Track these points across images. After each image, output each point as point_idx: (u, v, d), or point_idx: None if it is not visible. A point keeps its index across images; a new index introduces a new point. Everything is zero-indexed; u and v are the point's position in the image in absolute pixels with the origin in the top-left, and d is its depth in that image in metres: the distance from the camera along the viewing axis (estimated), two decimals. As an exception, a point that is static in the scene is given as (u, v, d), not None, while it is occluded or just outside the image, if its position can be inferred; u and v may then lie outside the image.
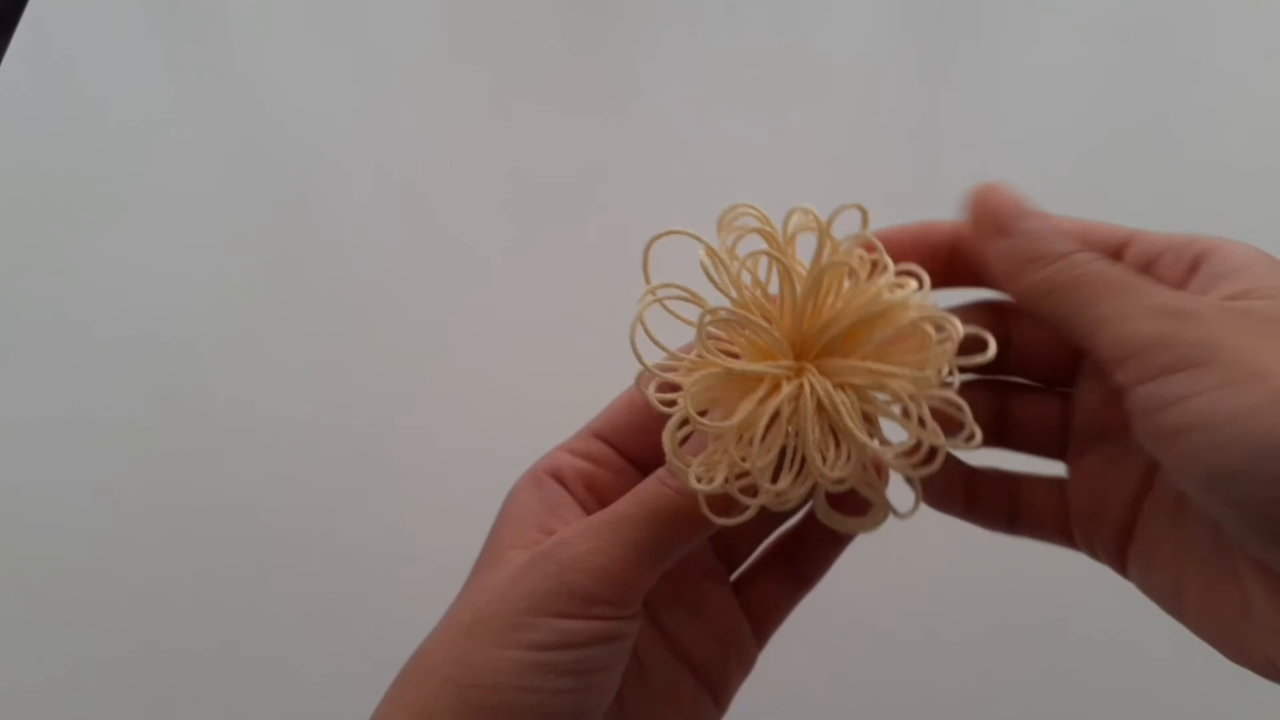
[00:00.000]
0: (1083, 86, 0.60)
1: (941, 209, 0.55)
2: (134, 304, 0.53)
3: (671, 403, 0.24)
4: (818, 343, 0.23)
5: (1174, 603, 0.24)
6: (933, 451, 0.23)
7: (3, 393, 0.50)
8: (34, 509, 0.46)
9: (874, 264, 0.24)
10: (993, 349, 0.23)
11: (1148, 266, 0.24)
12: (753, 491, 0.23)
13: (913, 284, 0.24)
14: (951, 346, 0.22)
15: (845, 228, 0.24)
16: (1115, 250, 0.25)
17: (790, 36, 0.63)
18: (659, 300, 0.23)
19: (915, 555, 0.43)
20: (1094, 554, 0.27)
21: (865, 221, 0.23)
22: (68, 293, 0.53)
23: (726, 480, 0.22)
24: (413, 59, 0.64)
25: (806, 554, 0.28)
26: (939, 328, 0.23)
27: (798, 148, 0.58)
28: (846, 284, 0.23)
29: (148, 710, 0.42)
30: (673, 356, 0.24)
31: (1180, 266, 0.23)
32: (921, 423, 0.22)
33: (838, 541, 0.27)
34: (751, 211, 0.24)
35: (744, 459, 0.22)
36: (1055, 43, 0.62)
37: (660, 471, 0.24)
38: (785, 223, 0.24)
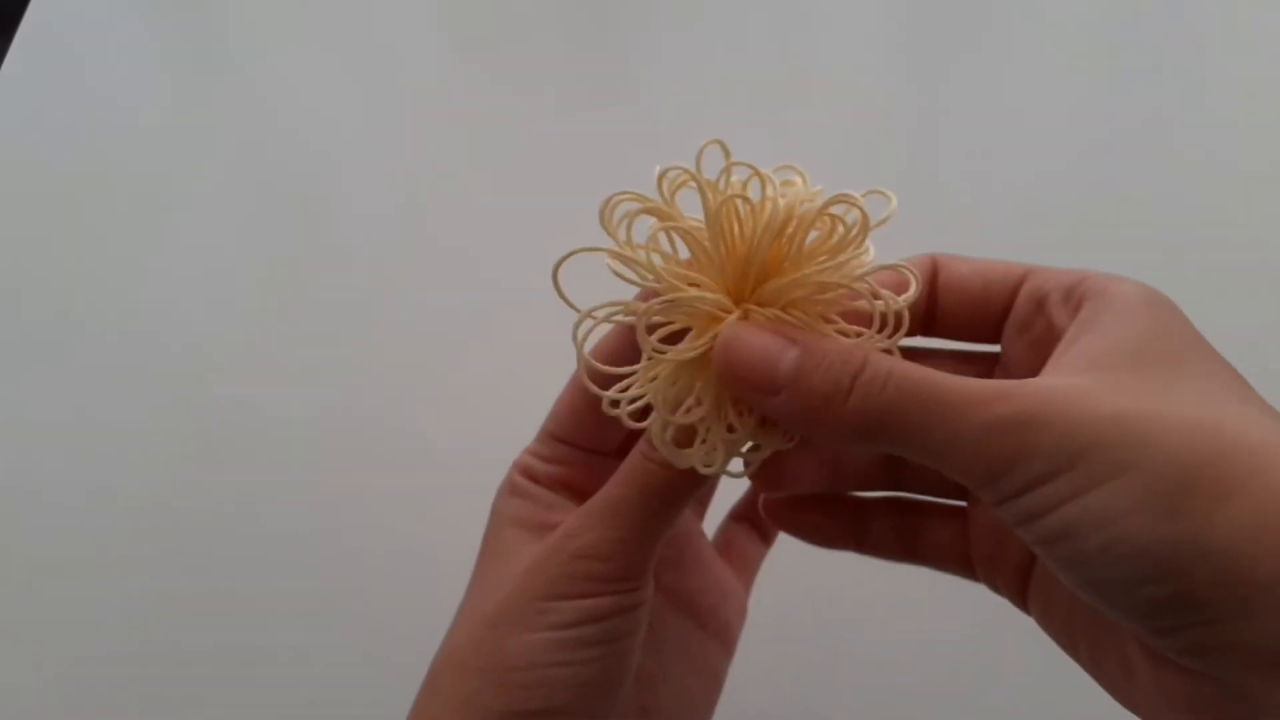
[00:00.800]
0: (1081, 89, 0.60)
1: (941, 211, 0.55)
2: (136, 303, 0.53)
3: (641, 416, 0.24)
4: (750, 280, 0.24)
5: (1070, 648, 0.24)
6: (898, 319, 0.23)
7: (3, 391, 0.51)
8: (34, 508, 0.47)
9: (759, 179, 0.24)
10: (894, 202, 0.24)
11: (1039, 305, 0.24)
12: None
13: (796, 180, 0.24)
14: (861, 216, 0.23)
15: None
16: (1013, 288, 0.25)
17: (790, 39, 0.63)
18: (600, 321, 0.24)
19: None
20: (996, 590, 0.27)
21: (726, 152, 0.24)
22: (69, 292, 0.54)
23: (731, 455, 0.24)
24: (417, 60, 0.64)
25: (762, 519, 0.30)
26: (841, 204, 0.23)
27: (797, 150, 0.55)
28: (744, 213, 0.24)
29: (147, 710, 0.42)
30: (630, 371, 0.25)
31: (1066, 308, 0.23)
32: (878, 299, 0.23)
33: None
34: (625, 196, 0.23)
35: (731, 430, 0.24)
36: (1054, 45, 0.61)
37: (641, 446, 0.25)
38: (659, 189, 0.24)
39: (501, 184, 0.57)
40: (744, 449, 0.25)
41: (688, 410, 0.23)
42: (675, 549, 0.30)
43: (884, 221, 0.24)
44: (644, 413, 0.24)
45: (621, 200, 0.23)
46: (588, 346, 0.24)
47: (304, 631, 0.44)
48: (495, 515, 0.28)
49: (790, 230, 0.23)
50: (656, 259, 0.24)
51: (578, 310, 0.23)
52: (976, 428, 0.20)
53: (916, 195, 0.54)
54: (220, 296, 0.53)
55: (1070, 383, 0.20)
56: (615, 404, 0.24)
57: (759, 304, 0.24)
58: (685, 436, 0.24)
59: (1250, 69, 0.59)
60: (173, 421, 0.49)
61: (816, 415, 0.21)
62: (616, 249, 0.23)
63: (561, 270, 0.23)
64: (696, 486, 0.25)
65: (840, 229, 0.23)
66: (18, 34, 0.63)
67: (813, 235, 0.24)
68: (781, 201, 0.23)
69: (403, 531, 0.45)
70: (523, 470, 0.28)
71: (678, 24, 0.64)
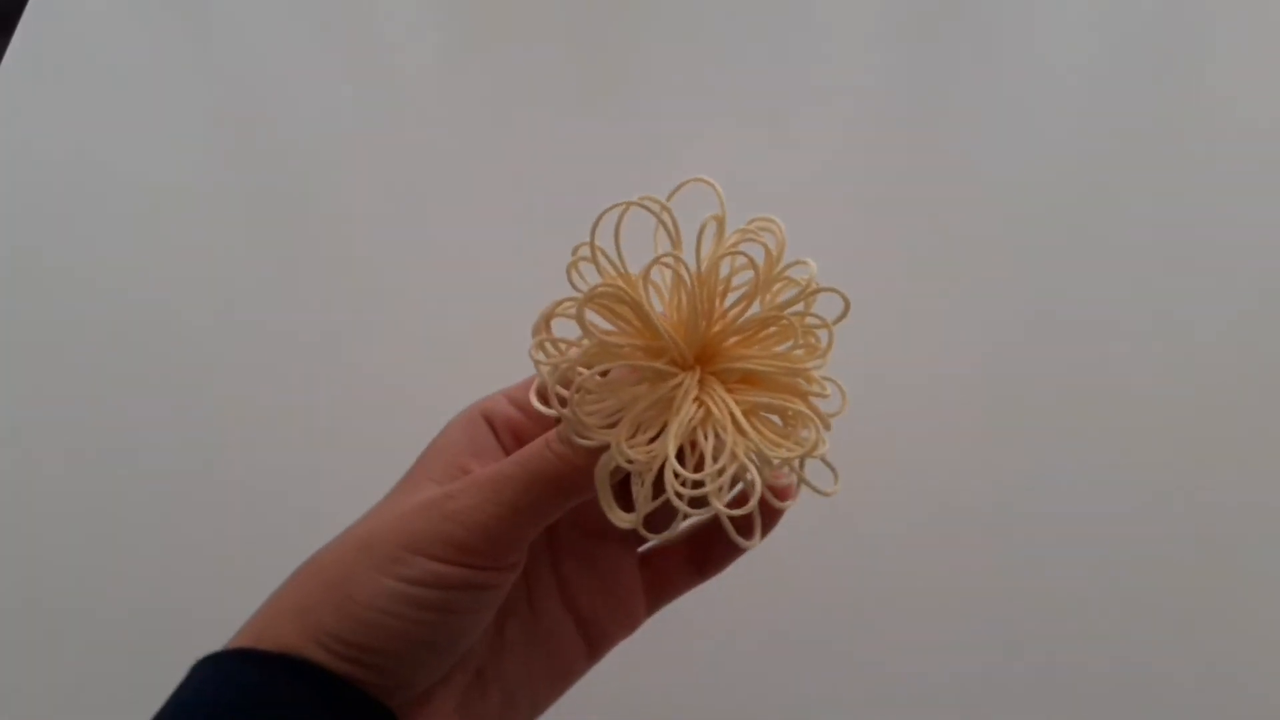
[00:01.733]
0: (1081, 92, 0.59)
1: (941, 212, 0.55)
2: (132, 304, 0.53)
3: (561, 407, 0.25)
4: (707, 346, 0.25)
5: None
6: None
7: (1, 391, 0.51)
8: (31, 509, 0.47)
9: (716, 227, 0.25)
10: (847, 305, 0.24)
11: None
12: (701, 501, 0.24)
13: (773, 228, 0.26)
14: (829, 339, 0.25)
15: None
16: None
17: (790, 43, 0.63)
18: (553, 367, 0.25)
19: (913, 561, 0.45)
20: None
21: (721, 228, 0.25)
22: (66, 293, 0.54)
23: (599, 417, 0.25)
24: (414, 63, 0.64)
25: (709, 552, 0.30)
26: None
27: (797, 152, 0.57)
28: (687, 277, 0.25)
29: (146, 711, 0.44)
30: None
31: None
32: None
33: (737, 550, 0.28)
34: (567, 303, 0.26)
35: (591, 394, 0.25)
36: (1053, 48, 0.61)
37: (547, 434, 0.26)
38: (594, 229, 0.25)
39: (501, 188, 0.57)
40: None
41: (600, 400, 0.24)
42: (585, 543, 0.30)
43: (840, 320, 0.25)
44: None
45: (567, 305, 0.25)
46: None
47: None
48: (434, 440, 0.29)
49: (766, 327, 0.25)
50: (600, 321, 0.25)
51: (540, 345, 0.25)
52: None
53: (917, 194, 0.55)
54: (220, 296, 0.54)
55: None
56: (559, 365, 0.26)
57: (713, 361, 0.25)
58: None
59: (1250, 68, 0.59)
60: (171, 420, 0.50)
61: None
62: (587, 329, 0.25)
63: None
64: (584, 490, 0.25)
65: (809, 340, 0.25)
66: (17, 34, 0.63)
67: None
68: (758, 305, 0.25)
69: None
70: (484, 408, 0.29)
71: (678, 31, 0.64)
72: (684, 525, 0.26)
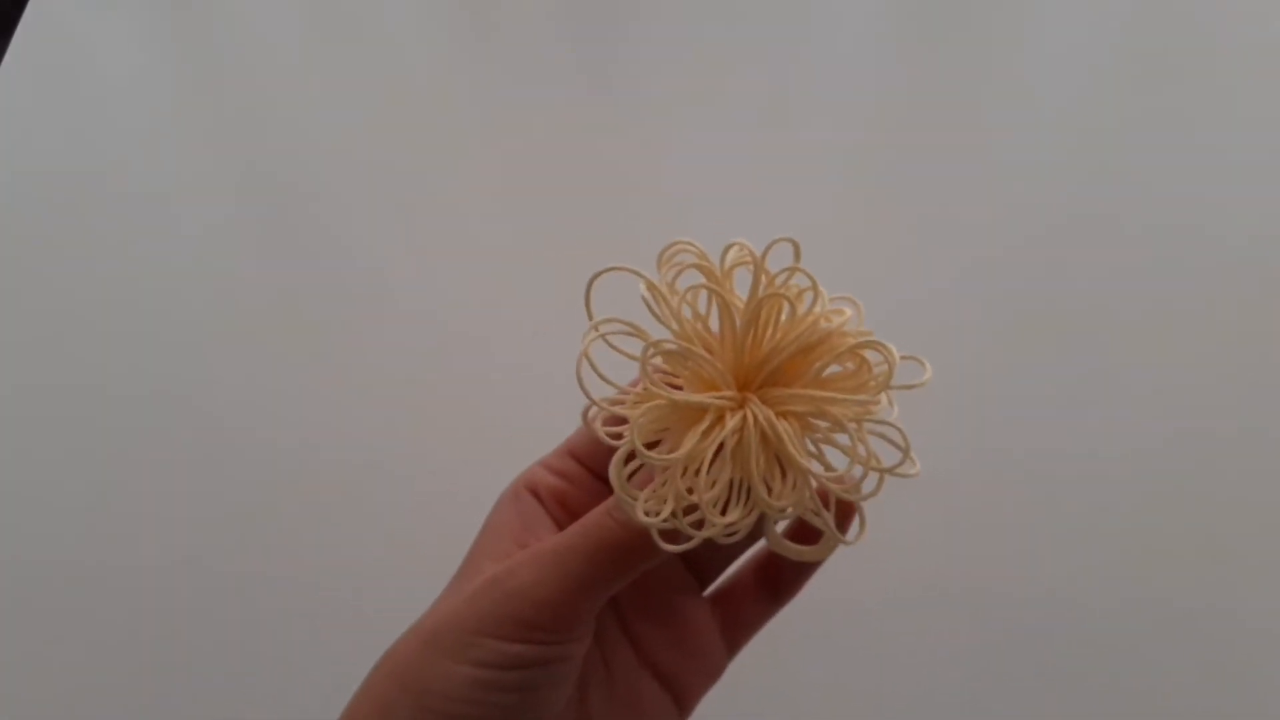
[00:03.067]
0: (1081, 93, 0.60)
1: (941, 214, 0.55)
2: (132, 304, 0.53)
3: (619, 436, 0.24)
4: (760, 373, 0.24)
5: None
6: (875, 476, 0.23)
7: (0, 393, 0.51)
8: (29, 511, 0.47)
9: (814, 294, 0.24)
10: (929, 373, 0.24)
11: None
12: (700, 524, 0.23)
13: (848, 311, 0.24)
14: (889, 370, 0.23)
15: (780, 260, 0.24)
16: None
17: (791, 44, 0.63)
18: (602, 335, 0.24)
19: (914, 561, 0.45)
20: None
21: (798, 254, 0.24)
22: (67, 292, 0.54)
23: (674, 514, 0.23)
24: (415, 60, 0.64)
25: (779, 574, 0.29)
26: (875, 353, 0.23)
27: (796, 152, 0.57)
28: (785, 315, 0.24)
29: (145, 712, 0.42)
30: (620, 391, 0.25)
31: None
32: (863, 448, 0.23)
33: (810, 566, 0.28)
34: (690, 248, 0.24)
35: (691, 491, 0.23)
36: (1053, 50, 0.62)
37: (608, 503, 0.25)
38: (722, 258, 0.24)
39: (501, 188, 0.57)
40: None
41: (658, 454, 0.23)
42: (645, 595, 0.29)
43: (911, 386, 0.24)
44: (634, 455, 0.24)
45: (684, 249, 0.24)
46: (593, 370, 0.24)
47: (300, 639, 0.44)
48: (486, 520, 0.28)
49: (817, 353, 0.24)
50: (687, 311, 0.24)
51: (591, 319, 0.24)
52: None
53: (916, 194, 0.56)
54: (219, 296, 0.53)
55: None
56: (612, 423, 0.25)
57: (762, 398, 0.24)
58: (644, 482, 0.24)
59: (1250, 67, 0.60)
60: (171, 421, 0.49)
61: None
62: (655, 281, 0.24)
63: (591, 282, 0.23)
64: (649, 556, 0.24)
65: (865, 373, 0.24)
66: (17, 34, 0.63)
67: (841, 369, 0.24)
68: (824, 324, 0.24)
69: (400, 537, 0.46)
70: (528, 481, 0.28)
71: (679, 30, 0.64)
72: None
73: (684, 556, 0.29)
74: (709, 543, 0.23)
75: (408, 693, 0.24)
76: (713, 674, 0.29)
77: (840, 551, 0.41)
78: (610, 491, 0.25)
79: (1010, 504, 0.46)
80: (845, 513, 0.26)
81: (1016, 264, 0.54)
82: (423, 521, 0.45)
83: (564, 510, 0.28)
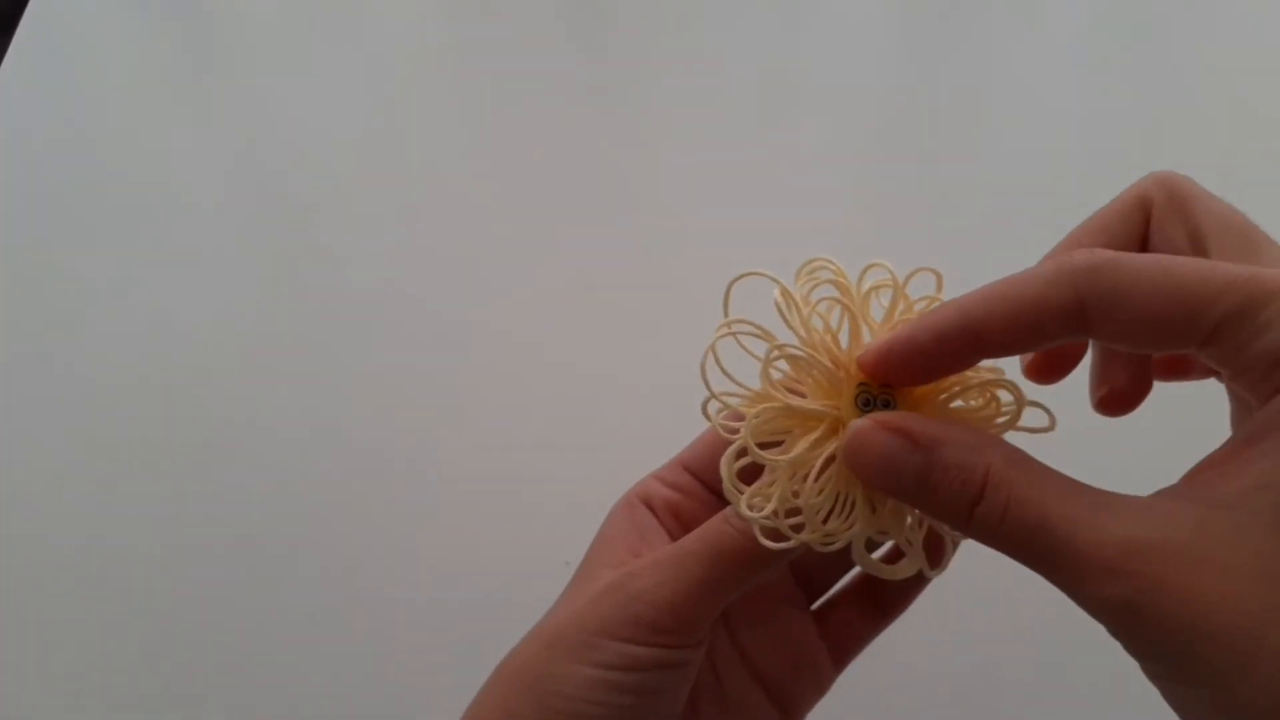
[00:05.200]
0: (1082, 91, 0.61)
1: (939, 212, 0.56)
2: (132, 307, 0.53)
3: (735, 432, 0.25)
4: (885, 395, 0.24)
5: None
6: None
7: (2, 388, 0.50)
8: (29, 511, 0.47)
9: None
10: (1053, 424, 0.24)
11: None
12: (800, 527, 0.23)
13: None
14: (1017, 411, 0.23)
15: (920, 289, 0.25)
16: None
17: (790, 40, 0.64)
18: (733, 333, 0.25)
19: None
20: None
21: (940, 284, 0.25)
22: (66, 293, 0.53)
23: (775, 513, 0.23)
24: (416, 64, 0.64)
25: (886, 590, 0.29)
26: (1005, 392, 0.24)
27: (797, 150, 0.58)
28: None
29: (145, 713, 0.42)
30: (740, 386, 0.25)
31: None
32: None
33: (919, 579, 0.28)
34: (829, 265, 0.25)
35: (795, 494, 0.23)
36: (1053, 48, 0.63)
37: (726, 511, 0.25)
38: (860, 277, 0.25)
39: (501, 187, 0.57)
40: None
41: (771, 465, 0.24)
42: (754, 607, 0.29)
43: (1036, 431, 0.24)
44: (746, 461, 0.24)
45: (824, 266, 0.25)
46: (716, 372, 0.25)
47: (301, 644, 0.43)
48: (601, 530, 0.29)
49: (947, 384, 0.24)
50: (818, 322, 0.25)
51: (726, 316, 0.24)
52: (1091, 600, 0.19)
53: (915, 199, 0.56)
54: (218, 298, 0.53)
55: (1210, 553, 0.19)
56: (729, 420, 0.25)
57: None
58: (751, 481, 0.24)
59: (1250, 67, 0.61)
60: (168, 424, 0.49)
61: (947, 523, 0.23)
62: (791, 290, 0.24)
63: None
64: (768, 561, 0.25)
65: (992, 410, 0.24)
66: (17, 34, 0.62)
67: (966, 404, 0.24)
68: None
69: (403, 542, 0.45)
70: (641, 493, 0.29)
71: (680, 29, 0.65)
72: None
73: (793, 570, 0.30)
74: (812, 553, 0.24)
75: (531, 693, 0.25)
76: (820, 687, 0.29)
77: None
78: (726, 504, 0.25)
79: None
80: (937, 546, 0.26)
81: (1016, 264, 0.54)
82: (424, 521, 0.46)
83: (677, 522, 0.28)
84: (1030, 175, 0.57)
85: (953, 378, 0.24)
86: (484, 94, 0.62)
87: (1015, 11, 0.65)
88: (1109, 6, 0.65)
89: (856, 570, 0.29)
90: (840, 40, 0.64)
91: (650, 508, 0.29)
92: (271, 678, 0.43)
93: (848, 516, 0.24)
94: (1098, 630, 0.20)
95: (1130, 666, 0.20)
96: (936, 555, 0.26)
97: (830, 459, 0.24)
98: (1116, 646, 0.20)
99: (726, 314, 0.24)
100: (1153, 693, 0.20)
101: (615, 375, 0.49)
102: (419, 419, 0.49)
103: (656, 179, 0.57)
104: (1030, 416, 0.24)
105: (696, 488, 0.29)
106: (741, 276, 0.24)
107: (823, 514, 0.24)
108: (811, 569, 0.30)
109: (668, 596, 0.25)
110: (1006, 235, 0.54)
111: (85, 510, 0.46)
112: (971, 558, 0.44)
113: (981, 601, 0.44)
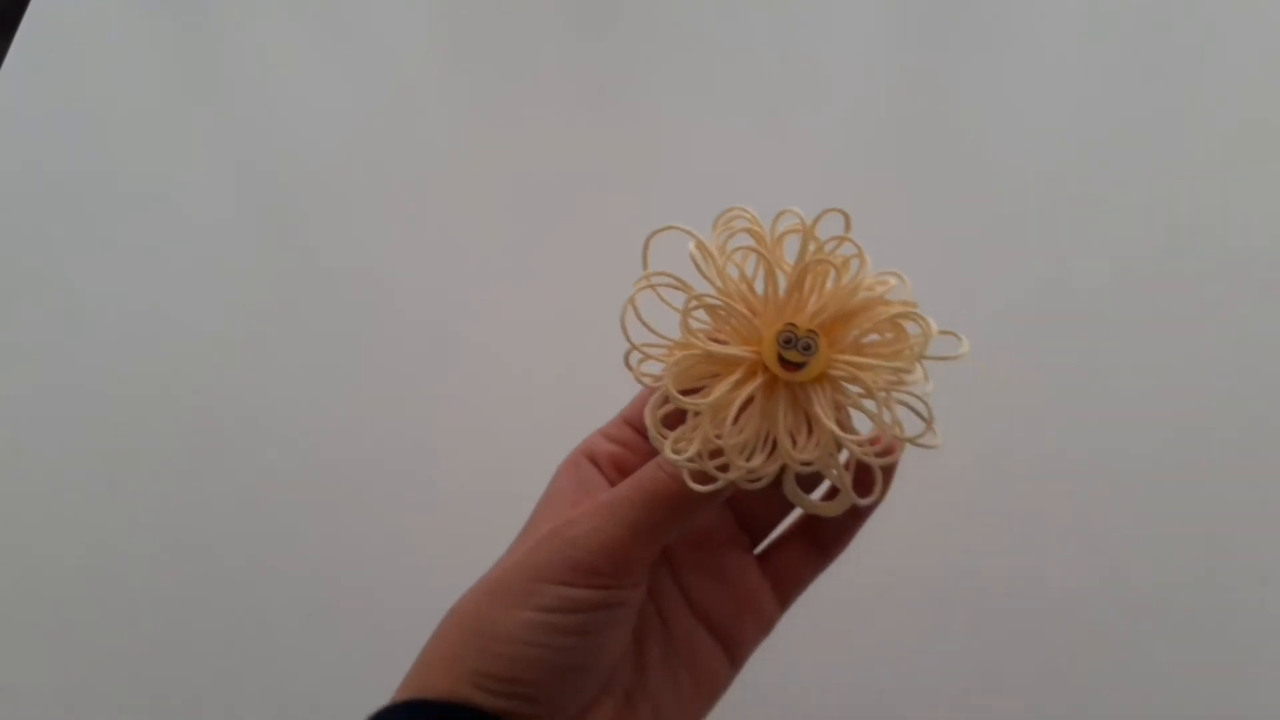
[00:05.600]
0: (1080, 89, 0.60)
1: (939, 211, 0.56)
2: (134, 304, 0.53)
3: (656, 379, 0.26)
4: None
5: None
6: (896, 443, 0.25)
7: (2, 392, 0.51)
8: (28, 512, 0.47)
9: (860, 262, 0.25)
10: (966, 346, 0.25)
11: None
12: (726, 467, 0.24)
13: (893, 282, 0.25)
14: (924, 342, 0.24)
15: (830, 231, 0.25)
16: None
17: (790, 39, 0.64)
18: (651, 285, 0.25)
19: (913, 558, 0.45)
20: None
21: (848, 225, 0.25)
22: (67, 293, 0.53)
23: (700, 455, 0.24)
24: (415, 61, 0.64)
25: (827, 528, 0.30)
26: (913, 323, 0.24)
27: (797, 149, 0.58)
28: (830, 284, 0.25)
29: (144, 713, 0.42)
30: (658, 337, 0.26)
31: None
32: (889, 415, 0.24)
33: (857, 516, 0.29)
34: (744, 214, 0.25)
35: (718, 436, 0.24)
36: (1053, 46, 0.62)
37: (659, 458, 0.26)
38: (773, 224, 0.26)
39: (501, 185, 0.58)
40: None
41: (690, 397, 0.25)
42: (698, 551, 0.30)
43: (947, 359, 0.25)
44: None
45: (739, 215, 0.26)
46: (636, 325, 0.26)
47: (302, 634, 0.44)
48: (547, 488, 0.30)
49: (857, 320, 0.25)
50: (734, 271, 0.25)
51: (646, 270, 0.25)
52: None
53: (915, 198, 0.56)
54: (218, 297, 0.53)
55: None
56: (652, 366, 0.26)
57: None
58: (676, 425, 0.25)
59: (1250, 67, 0.60)
60: (169, 421, 0.49)
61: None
62: (705, 242, 0.25)
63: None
64: (699, 503, 0.25)
65: (901, 342, 0.25)
66: (18, 34, 0.63)
67: (880, 337, 0.25)
68: (865, 293, 0.25)
69: (402, 532, 0.46)
70: (586, 449, 0.30)
71: (678, 26, 0.65)
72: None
73: (736, 516, 0.30)
74: (753, 497, 0.25)
75: (475, 638, 0.26)
76: (764, 627, 0.30)
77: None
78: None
79: (1009, 500, 0.46)
80: (865, 475, 0.26)
81: (1016, 263, 0.54)
82: (424, 521, 0.46)
83: (620, 474, 0.29)
84: (1030, 176, 0.57)
85: (865, 313, 0.25)
86: (484, 94, 0.62)
87: (1015, 12, 0.64)
88: (1108, 7, 0.64)
89: (798, 512, 0.30)
90: (840, 40, 0.63)
91: (595, 463, 0.30)
92: (271, 678, 0.43)
93: (770, 454, 0.25)
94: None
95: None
96: (866, 486, 0.26)
97: (750, 400, 0.24)
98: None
99: (646, 268, 0.25)
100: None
101: (617, 375, 0.49)
102: (419, 419, 0.49)
103: (657, 179, 0.57)
104: (945, 346, 0.25)
105: (638, 441, 0.30)
106: (659, 231, 0.25)
107: (746, 452, 0.24)
108: (754, 514, 0.31)
109: (602, 541, 0.26)
110: (1007, 236, 0.55)
111: (84, 509, 0.47)
112: (971, 556, 0.45)
113: (982, 602, 0.44)
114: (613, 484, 0.29)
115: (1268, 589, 0.44)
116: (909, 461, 0.46)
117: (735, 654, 0.30)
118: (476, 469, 0.47)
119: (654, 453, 0.29)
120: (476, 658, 0.26)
